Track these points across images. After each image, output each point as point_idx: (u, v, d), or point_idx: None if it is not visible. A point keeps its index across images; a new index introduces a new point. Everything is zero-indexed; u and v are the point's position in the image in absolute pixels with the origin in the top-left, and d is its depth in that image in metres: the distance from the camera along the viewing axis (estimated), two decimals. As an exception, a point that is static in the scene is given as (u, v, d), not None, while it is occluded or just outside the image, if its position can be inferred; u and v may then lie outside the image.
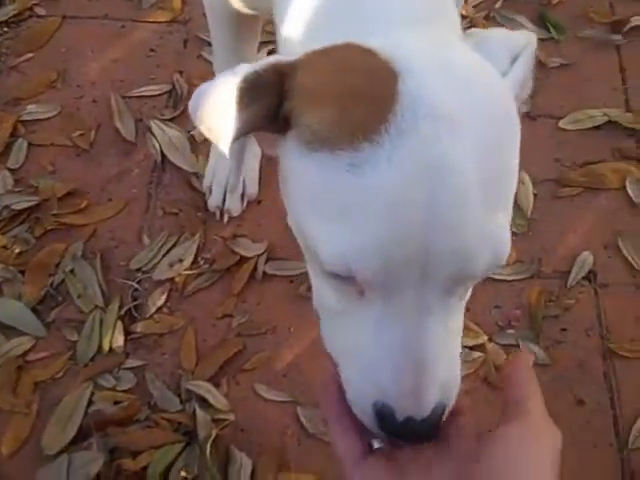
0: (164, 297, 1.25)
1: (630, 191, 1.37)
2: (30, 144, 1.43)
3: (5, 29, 1.62)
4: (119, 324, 1.22)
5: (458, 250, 0.55)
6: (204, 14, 1.58)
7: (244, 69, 0.58)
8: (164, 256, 1.29)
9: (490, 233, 0.56)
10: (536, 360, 1.17)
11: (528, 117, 1.46)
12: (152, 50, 1.59)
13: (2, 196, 1.34)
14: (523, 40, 0.66)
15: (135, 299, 1.25)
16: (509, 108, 0.60)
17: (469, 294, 0.63)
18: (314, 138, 0.57)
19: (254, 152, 1.34)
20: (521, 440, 0.59)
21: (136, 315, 1.24)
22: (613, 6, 1.65)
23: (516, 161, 0.60)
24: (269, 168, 1.36)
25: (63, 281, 1.26)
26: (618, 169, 1.39)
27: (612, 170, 1.39)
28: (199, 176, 1.38)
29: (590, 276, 1.28)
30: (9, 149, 1.42)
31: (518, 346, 1.20)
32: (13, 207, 1.33)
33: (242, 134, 0.59)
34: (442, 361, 0.59)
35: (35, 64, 1.56)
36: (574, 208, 1.35)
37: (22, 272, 1.27)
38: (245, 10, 1.03)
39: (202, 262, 1.29)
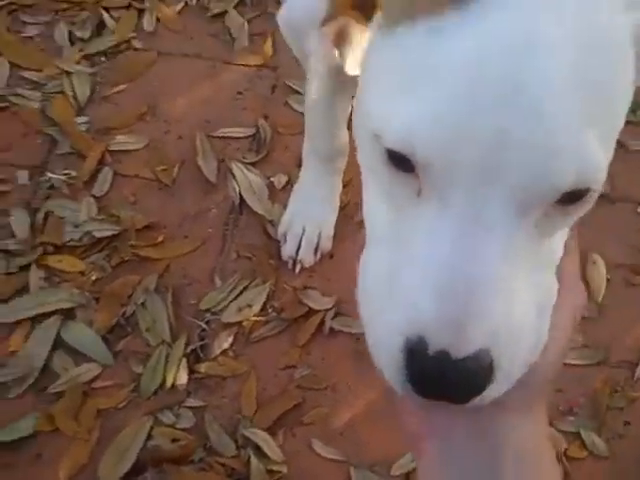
0: (230, 340, 1.27)
1: None
2: (115, 173, 1.47)
3: (102, 59, 1.67)
4: (184, 362, 1.24)
5: (538, 145, 0.48)
6: (295, 60, 1.64)
7: None
8: (234, 299, 1.31)
9: (579, 143, 0.48)
10: (596, 452, 1.16)
11: (607, 199, 1.46)
12: (240, 93, 1.63)
13: (85, 223, 1.38)
14: None
15: (202, 339, 1.27)
16: (618, 26, 0.53)
17: (558, 242, 0.55)
18: (398, 11, 0.54)
19: (333, 206, 1.36)
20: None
21: (201, 355, 1.25)
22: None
23: (622, 88, 0.53)
24: (344, 225, 1.38)
25: (134, 313, 1.29)
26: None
27: (688, 263, 1.38)
28: (274, 223, 1.40)
29: (658, 370, 1.26)
30: (95, 177, 1.46)
31: (579, 434, 1.19)
32: (94, 234, 1.37)
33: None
34: (500, 297, 0.50)
35: (127, 96, 1.61)
36: (646, 297, 1.34)
37: (96, 299, 1.30)
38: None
39: (270, 310, 1.31)
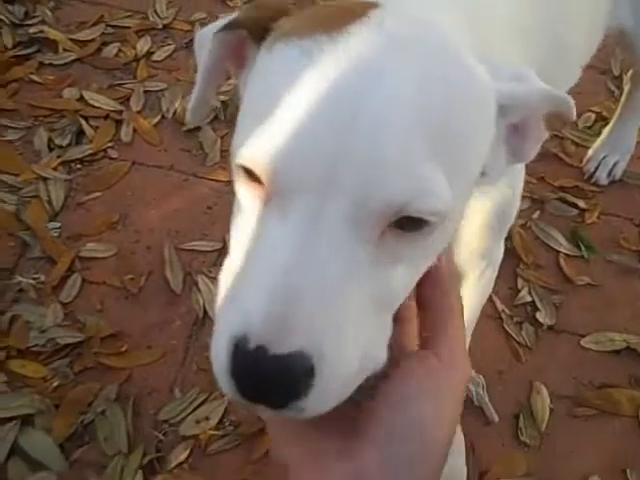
0: (186, 453, 1.29)
1: (642, 420, 1.42)
2: (84, 280, 1.52)
3: (79, 166, 1.74)
4: (139, 473, 1.26)
5: (371, 164, 0.51)
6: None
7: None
8: (192, 412, 1.34)
9: (412, 168, 0.52)
10: None
11: (552, 331, 1.54)
12: (209, 207, 1.70)
13: (50, 329, 1.41)
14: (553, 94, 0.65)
15: (158, 450, 1.30)
16: (474, 81, 0.60)
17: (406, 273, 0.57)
18: (280, 35, 0.60)
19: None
20: (434, 372, 0.57)
21: (157, 467, 1.28)
22: (643, 236, 1.76)
23: (473, 133, 0.59)
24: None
25: (93, 421, 1.31)
26: (633, 397, 1.44)
27: (627, 398, 1.44)
28: (236, 337, 1.45)
29: (596, 501, 1.32)
30: (64, 282, 1.50)
31: None
32: (58, 341, 1.40)
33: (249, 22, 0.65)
34: (328, 305, 0.51)
35: (101, 203, 1.67)
36: (587, 429, 1.40)
37: (56, 406, 1.32)
38: None
39: (227, 423, 1.34)
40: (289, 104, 0.54)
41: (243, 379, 0.50)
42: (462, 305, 0.64)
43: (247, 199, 0.57)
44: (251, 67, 0.64)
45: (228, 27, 0.68)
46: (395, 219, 0.54)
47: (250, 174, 0.56)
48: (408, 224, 0.54)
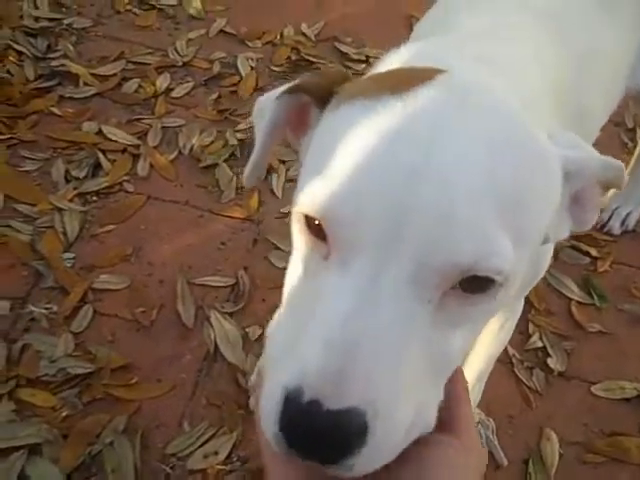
0: (194, 487, 1.29)
1: (653, 472, 1.41)
2: (95, 311, 1.52)
3: (94, 198, 1.76)
4: (145, 508, 1.25)
5: (437, 224, 0.51)
6: (277, 218, 1.74)
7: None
8: (201, 446, 1.34)
9: (479, 229, 0.51)
10: None
11: (563, 377, 1.54)
12: (223, 243, 1.71)
13: (61, 358, 1.41)
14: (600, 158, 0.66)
15: None
16: (542, 157, 0.60)
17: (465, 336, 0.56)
18: (346, 97, 0.61)
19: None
20: (451, 459, 0.55)
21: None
22: (654, 288, 1.76)
23: (540, 199, 0.59)
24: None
25: (100, 452, 1.31)
26: (643, 447, 1.44)
27: (637, 446, 1.43)
28: (246, 374, 1.45)
29: None
30: (76, 313, 1.51)
31: None
32: (69, 371, 1.40)
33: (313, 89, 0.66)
34: (385, 362, 0.50)
35: (115, 236, 1.68)
36: (596, 476, 1.39)
37: (65, 436, 1.32)
38: None
39: (235, 459, 1.34)
40: (354, 153, 0.54)
41: (294, 433, 0.49)
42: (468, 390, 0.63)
43: (306, 252, 0.57)
44: (314, 129, 0.65)
45: (291, 91, 0.68)
46: (459, 280, 0.53)
47: (310, 226, 0.56)
48: (472, 285, 0.54)
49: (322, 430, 0.48)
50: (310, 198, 0.54)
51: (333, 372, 0.48)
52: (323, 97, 0.65)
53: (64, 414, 1.34)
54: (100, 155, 1.85)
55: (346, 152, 0.54)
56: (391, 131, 0.53)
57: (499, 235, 0.52)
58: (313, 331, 0.51)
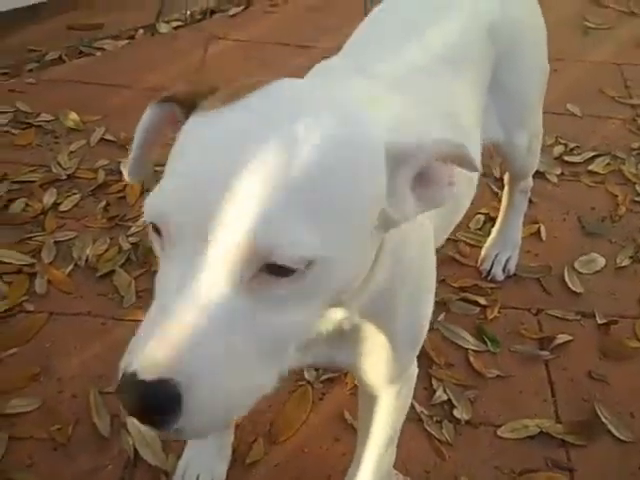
0: None
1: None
2: (10, 437, 1.53)
3: (-5, 324, 1.77)
4: None
5: (229, 215, 0.61)
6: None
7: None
8: None
9: (275, 224, 0.61)
10: None
11: (470, 425, 1.63)
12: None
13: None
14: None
15: None
16: (357, 142, 0.69)
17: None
18: (199, 110, 0.72)
19: (225, 454, 1.46)
20: None
21: None
22: (541, 324, 1.88)
23: (351, 194, 0.67)
24: (236, 466, 1.47)
25: None
26: (552, 478, 1.53)
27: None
28: (169, 474, 1.48)
29: None
30: (-8, 441, 1.51)
31: None
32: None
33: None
34: (198, 341, 0.60)
35: (20, 358, 1.69)
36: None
37: None
38: None
39: None
40: (176, 166, 0.67)
41: (121, 397, 0.61)
42: None
43: (156, 251, 0.70)
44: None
45: (162, 100, 0.80)
46: (264, 265, 0.63)
47: (156, 230, 0.68)
48: (276, 271, 0.63)
49: (138, 398, 0.59)
50: (146, 208, 0.67)
51: (150, 352, 0.59)
52: (189, 107, 0.76)
53: None
54: (-5, 279, 1.86)
55: (173, 165, 0.68)
56: (204, 146, 0.65)
57: (293, 228, 0.62)
58: (147, 319, 0.64)
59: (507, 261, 2.01)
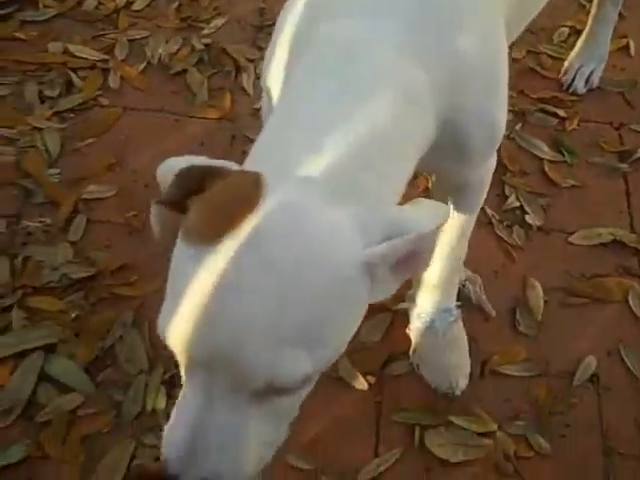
0: (204, 367, 1.36)
1: (632, 305, 1.49)
2: (89, 220, 1.58)
3: (71, 115, 1.79)
4: (162, 388, 1.33)
5: (233, 359, 0.66)
6: (251, 113, 1.77)
7: (187, 161, 0.78)
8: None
9: (270, 362, 0.66)
10: (541, 451, 1.28)
11: (542, 230, 1.61)
12: (202, 144, 1.75)
13: (62, 266, 1.47)
14: (416, 225, 0.73)
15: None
16: (334, 269, 0.69)
17: (283, 412, 0.75)
18: (185, 232, 0.72)
19: None
20: None
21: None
22: (622, 137, 1.82)
23: (337, 313, 0.71)
24: None
25: (113, 345, 1.38)
26: (622, 284, 1.52)
27: (616, 284, 1.52)
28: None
29: (593, 379, 1.39)
30: (70, 223, 1.56)
31: (525, 437, 1.30)
32: (71, 276, 1.46)
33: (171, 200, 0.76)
34: (220, 447, 0.70)
35: (96, 148, 1.72)
36: (581, 316, 1.48)
37: (76, 335, 1.38)
38: None
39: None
40: (182, 303, 0.69)
41: None
42: None
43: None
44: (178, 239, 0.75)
45: (158, 203, 0.78)
46: (266, 388, 0.69)
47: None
48: (279, 390, 0.70)
49: None
50: (159, 332, 0.72)
51: (187, 454, 0.70)
52: (180, 210, 0.75)
53: (73, 315, 1.41)
54: (70, 73, 1.87)
55: (179, 299, 0.69)
56: (202, 291, 0.67)
57: (291, 357, 0.67)
58: (177, 426, 0.72)
59: (591, 73, 1.92)
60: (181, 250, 0.72)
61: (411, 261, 0.74)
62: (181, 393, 0.74)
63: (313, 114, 0.80)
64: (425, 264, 0.77)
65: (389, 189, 0.82)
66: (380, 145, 0.79)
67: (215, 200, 0.72)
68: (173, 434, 0.72)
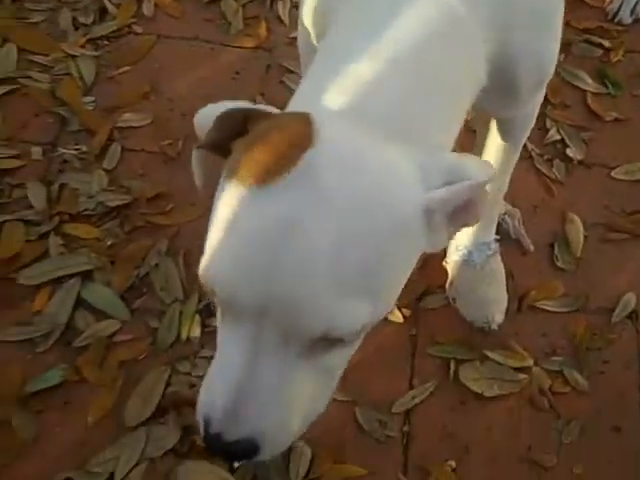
0: (239, 297, 1.36)
1: (673, 241, 1.47)
2: (124, 148, 1.57)
3: (105, 42, 1.77)
4: (197, 317, 1.33)
5: (293, 303, 0.62)
6: (288, 42, 1.74)
7: (225, 107, 0.73)
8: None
9: (328, 309, 0.62)
10: (578, 387, 1.28)
11: (583, 165, 1.58)
12: (237, 73, 1.72)
13: (98, 193, 1.47)
14: (475, 173, 0.69)
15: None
16: (396, 211, 0.66)
17: (333, 368, 0.72)
18: (230, 172, 0.68)
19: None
20: None
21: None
22: (672, 70, 1.76)
23: (396, 259, 0.67)
24: None
25: (148, 274, 1.38)
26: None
27: (658, 220, 1.49)
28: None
29: (632, 315, 1.37)
30: (105, 151, 1.55)
31: (562, 372, 1.30)
32: (107, 204, 1.46)
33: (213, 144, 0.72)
34: (266, 403, 0.67)
35: (131, 76, 1.70)
36: (621, 252, 1.46)
37: (112, 262, 1.39)
38: None
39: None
40: (230, 246, 0.64)
41: (208, 447, 0.70)
42: None
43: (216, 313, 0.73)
44: (222, 181, 0.71)
45: (200, 147, 0.74)
46: (320, 338, 0.65)
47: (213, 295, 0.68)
48: (332, 341, 0.66)
49: (224, 450, 0.69)
50: (202, 275, 0.67)
51: (229, 415, 0.66)
52: (223, 153, 0.71)
53: (109, 243, 1.41)
54: (104, 0, 1.84)
55: (227, 240, 0.65)
56: (255, 230, 0.63)
57: (352, 304, 0.63)
58: (218, 382, 0.68)
59: (637, 3, 1.85)
60: (228, 191, 0.67)
61: (467, 210, 0.71)
62: (219, 346, 0.70)
63: (364, 51, 0.75)
64: (478, 215, 0.73)
65: (445, 132, 0.79)
66: (435, 82, 0.76)
67: (264, 139, 0.67)
68: (214, 394, 0.68)
